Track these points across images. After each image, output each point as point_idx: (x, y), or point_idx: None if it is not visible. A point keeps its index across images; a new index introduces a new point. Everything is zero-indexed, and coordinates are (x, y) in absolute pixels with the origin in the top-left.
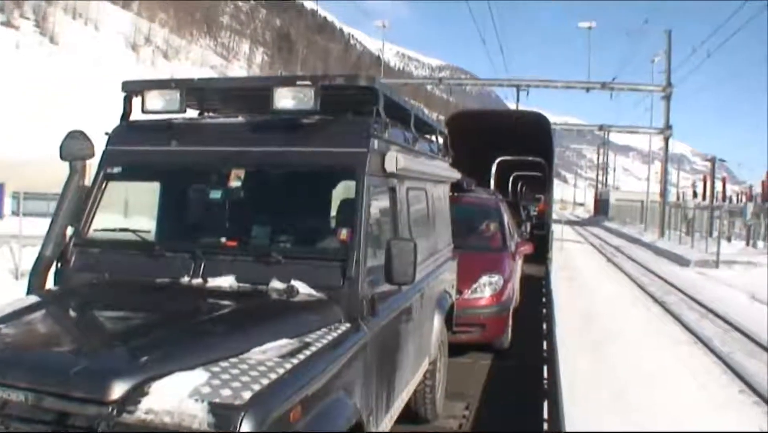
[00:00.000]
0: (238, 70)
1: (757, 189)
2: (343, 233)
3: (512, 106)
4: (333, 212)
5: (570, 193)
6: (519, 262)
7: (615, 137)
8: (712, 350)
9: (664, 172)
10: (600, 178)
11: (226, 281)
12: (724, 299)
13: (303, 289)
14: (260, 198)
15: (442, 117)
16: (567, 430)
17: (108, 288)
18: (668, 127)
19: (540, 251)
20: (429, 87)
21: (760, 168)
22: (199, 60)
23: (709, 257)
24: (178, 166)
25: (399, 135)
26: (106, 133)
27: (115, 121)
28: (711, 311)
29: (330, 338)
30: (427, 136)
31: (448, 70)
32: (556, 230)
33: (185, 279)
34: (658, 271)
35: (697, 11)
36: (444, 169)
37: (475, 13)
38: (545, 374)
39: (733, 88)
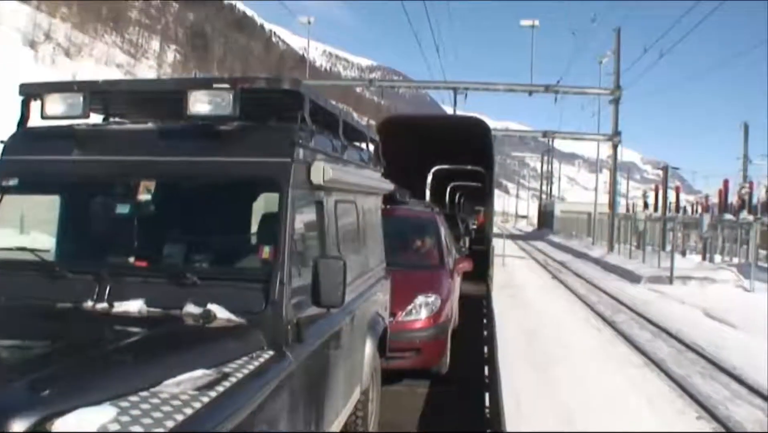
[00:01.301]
0: (147, 69)
1: (714, 199)
2: (266, 251)
3: (449, 110)
4: (254, 228)
5: (512, 205)
6: (458, 280)
7: (560, 144)
8: (666, 373)
9: (613, 182)
10: (544, 188)
11: (134, 306)
12: (678, 317)
13: (221, 313)
14: (173, 213)
15: (373, 122)
16: None
17: (2, 314)
18: (617, 133)
19: (480, 268)
20: (359, 89)
21: (716, 177)
22: (104, 58)
23: (663, 272)
24: (80, 177)
25: (326, 143)
26: (1, 142)
27: (11, 128)
28: (664, 330)
29: (251, 367)
30: (357, 143)
31: (379, 71)
32: (498, 244)
33: (89, 303)
34: (607, 288)
35: (649, 8)
36: (375, 179)
37: (410, 11)
38: (487, 402)
39: (687, 92)
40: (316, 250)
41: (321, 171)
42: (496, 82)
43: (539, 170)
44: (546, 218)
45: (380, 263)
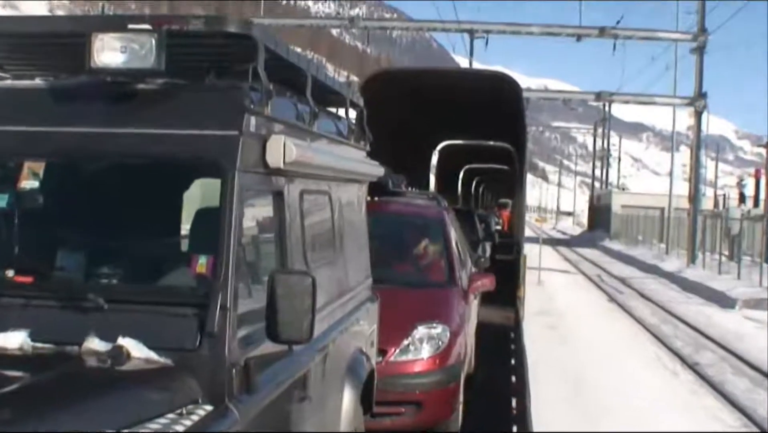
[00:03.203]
0: (35, 5)
1: None
2: (201, 263)
3: (464, 63)
4: (185, 230)
5: (552, 197)
6: (474, 303)
7: (621, 111)
8: None
9: (695, 164)
10: (597, 173)
11: (14, 340)
12: None
13: (137, 351)
14: (70, 208)
15: (356, 79)
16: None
17: None
18: (701, 95)
19: (506, 287)
20: (336, 30)
21: None
22: None
23: (766, 293)
24: None
25: (289, 109)
26: None
27: None
28: None
29: (180, 430)
30: (333, 109)
31: (364, 4)
32: (532, 253)
33: None
34: (686, 315)
35: None
36: (358, 161)
37: None
38: None
39: None
40: (274, 261)
41: (281, 149)
42: (528, 23)
43: (590, 148)
44: (600, 215)
45: (365, 280)
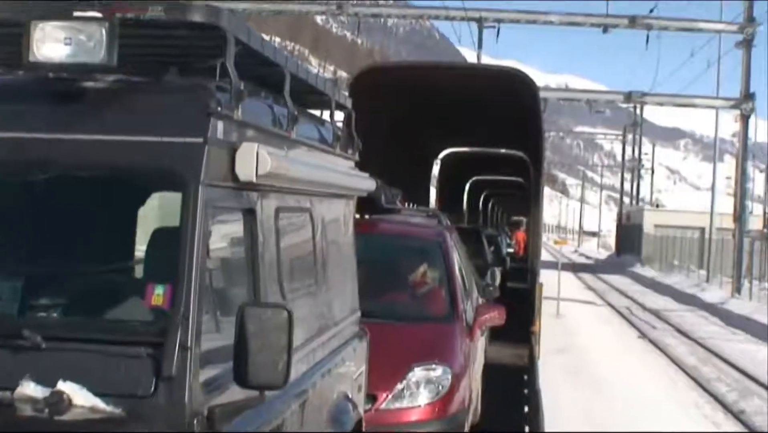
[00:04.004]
0: None
1: None
2: (158, 293)
3: (471, 56)
4: (139, 253)
5: (574, 215)
6: (481, 341)
7: (654, 114)
8: None
9: (741, 177)
10: (627, 186)
11: None
12: None
13: (81, 398)
14: (2, 227)
15: (344, 75)
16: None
17: None
18: (748, 96)
19: (519, 321)
20: (320, 18)
21: None
22: None
23: None
24: None
25: (264, 111)
26: None
27: None
28: None
29: None
30: (316, 112)
31: None
32: (550, 280)
33: None
34: (730, 354)
35: None
36: (345, 172)
37: None
38: None
39: None
40: (244, 291)
41: (254, 159)
42: (546, 11)
43: (619, 157)
44: (629, 236)
45: (351, 313)
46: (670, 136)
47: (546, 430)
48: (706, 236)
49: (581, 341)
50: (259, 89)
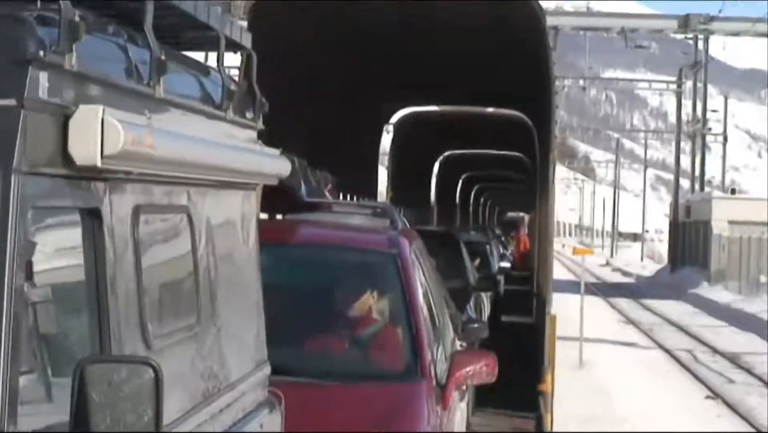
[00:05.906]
0: None
1: None
2: None
3: None
4: None
5: (603, 207)
6: (460, 408)
7: (725, 51)
8: None
9: None
10: (686, 163)
11: None
12: None
13: None
14: None
15: None
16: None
17: None
18: None
19: (520, 375)
20: None
21: None
22: None
23: None
24: None
25: (113, 55)
26: None
27: None
28: None
29: None
30: (197, 55)
31: None
32: (568, 309)
33: None
34: None
35: None
36: (243, 147)
37: None
38: None
39: None
40: (86, 337)
41: (98, 131)
42: None
43: (672, 118)
44: (690, 239)
45: (255, 368)
46: (750, 83)
47: None
48: None
49: (618, 409)
50: (107, 22)
